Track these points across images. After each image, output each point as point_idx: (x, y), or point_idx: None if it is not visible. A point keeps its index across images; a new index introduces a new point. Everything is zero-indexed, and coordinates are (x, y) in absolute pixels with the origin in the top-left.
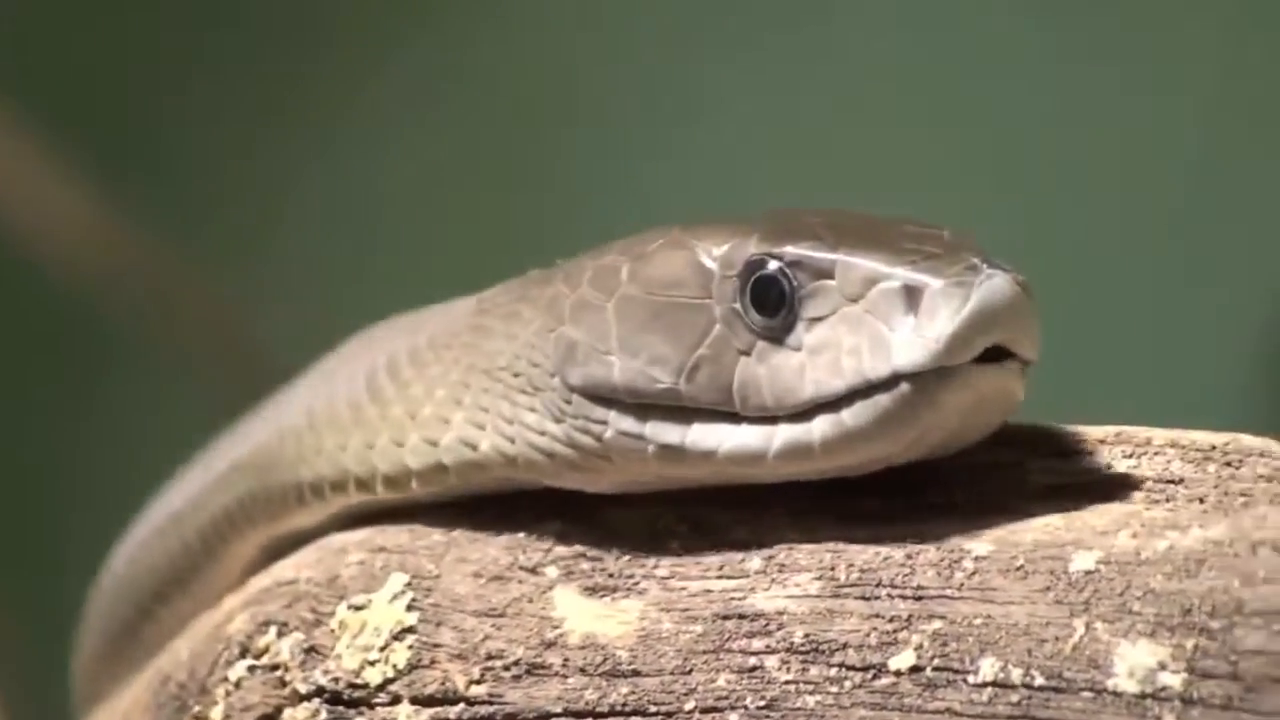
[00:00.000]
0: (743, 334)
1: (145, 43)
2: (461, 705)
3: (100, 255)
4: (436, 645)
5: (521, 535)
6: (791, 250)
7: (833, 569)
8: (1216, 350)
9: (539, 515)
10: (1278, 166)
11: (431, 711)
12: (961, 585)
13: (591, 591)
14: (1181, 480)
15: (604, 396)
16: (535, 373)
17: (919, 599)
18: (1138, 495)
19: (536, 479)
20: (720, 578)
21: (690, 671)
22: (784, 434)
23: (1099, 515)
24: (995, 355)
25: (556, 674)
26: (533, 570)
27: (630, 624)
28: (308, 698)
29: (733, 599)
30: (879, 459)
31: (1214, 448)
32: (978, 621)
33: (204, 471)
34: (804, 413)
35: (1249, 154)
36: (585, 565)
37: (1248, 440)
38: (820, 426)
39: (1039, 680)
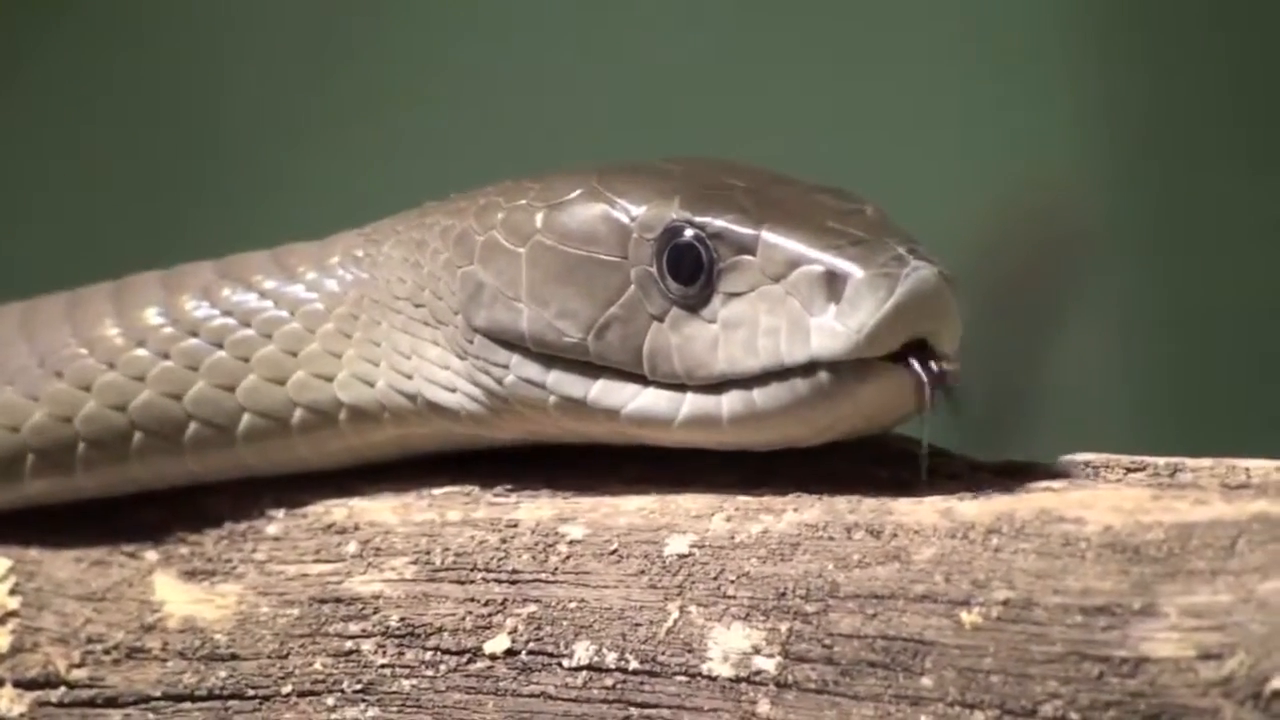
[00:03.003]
0: (657, 299)
1: None
2: (63, 689)
3: None
4: (38, 629)
5: (122, 520)
6: (713, 221)
7: (428, 553)
8: None
9: (140, 500)
10: None
11: (34, 695)
12: (556, 569)
13: (190, 576)
14: (779, 466)
15: (508, 341)
16: (439, 305)
17: (514, 583)
18: (733, 479)
19: (436, 428)
20: (317, 562)
21: (287, 655)
22: (692, 403)
23: (693, 499)
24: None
25: (156, 657)
26: (133, 555)
27: (228, 608)
28: None
29: (329, 583)
30: (786, 440)
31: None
32: (572, 605)
33: None
34: (714, 384)
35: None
36: (184, 550)
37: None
38: (730, 401)
39: (633, 664)
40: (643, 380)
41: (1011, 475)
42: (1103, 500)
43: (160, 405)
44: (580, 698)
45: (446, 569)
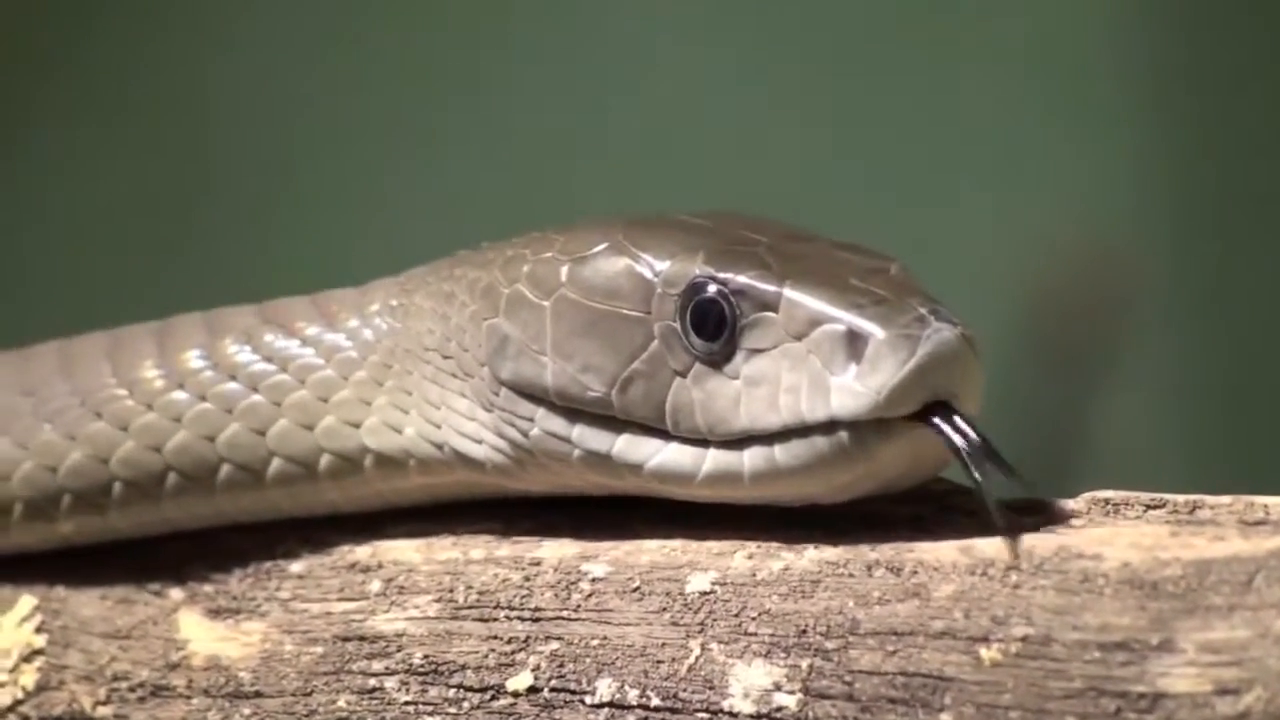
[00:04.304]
0: (680, 355)
1: None
2: None
3: None
4: (64, 667)
5: (147, 558)
6: (736, 279)
7: (451, 591)
8: None
9: (165, 538)
10: None
11: None
12: (579, 606)
13: (215, 614)
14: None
15: (533, 395)
16: (466, 358)
17: (536, 620)
18: (755, 517)
19: (463, 477)
20: (341, 600)
21: (311, 693)
22: (714, 459)
23: (716, 537)
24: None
25: (180, 695)
26: (158, 593)
27: (253, 646)
28: None
29: (353, 621)
30: (807, 497)
31: None
32: (595, 643)
33: None
34: (736, 440)
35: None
36: (209, 588)
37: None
38: (751, 458)
39: (655, 701)
40: (666, 435)
41: (1031, 513)
42: (1121, 537)
43: (195, 447)
44: None
45: (470, 607)
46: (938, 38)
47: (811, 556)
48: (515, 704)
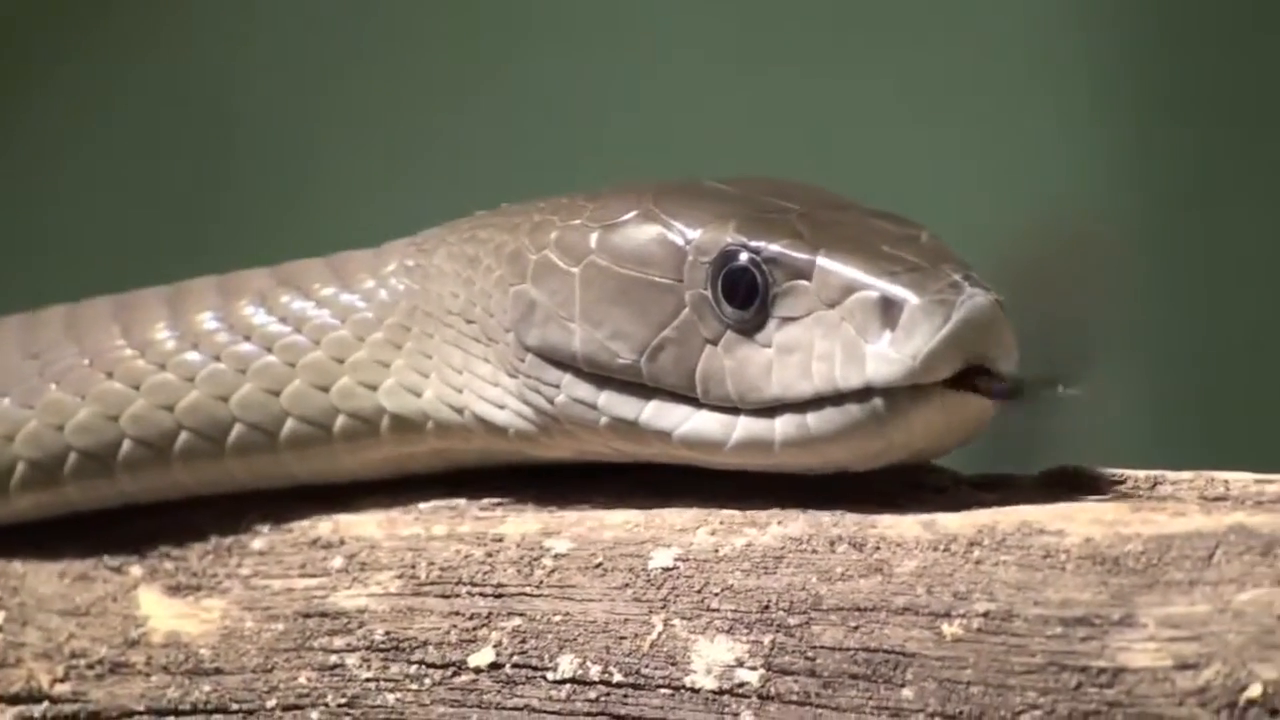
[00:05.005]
0: (711, 322)
1: None
2: (46, 703)
3: None
4: (22, 644)
5: (107, 534)
6: (768, 247)
7: (413, 567)
8: None
9: (124, 514)
10: None
11: (16, 710)
12: (541, 583)
13: (175, 590)
14: (765, 480)
15: (560, 361)
16: (491, 323)
17: (499, 596)
18: (720, 492)
19: (483, 443)
20: (302, 576)
21: (272, 669)
22: (745, 426)
23: (678, 513)
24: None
25: (139, 672)
26: (117, 570)
27: (213, 622)
28: None
29: (315, 597)
30: (838, 464)
31: None
32: (557, 619)
33: None
34: (767, 408)
35: None
36: (169, 564)
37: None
38: (783, 425)
39: (617, 677)
40: (695, 403)
41: (994, 488)
42: (1083, 513)
43: (208, 406)
44: (564, 711)
45: (431, 583)
46: (919, 27)
47: (775, 532)
48: (477, 680)
